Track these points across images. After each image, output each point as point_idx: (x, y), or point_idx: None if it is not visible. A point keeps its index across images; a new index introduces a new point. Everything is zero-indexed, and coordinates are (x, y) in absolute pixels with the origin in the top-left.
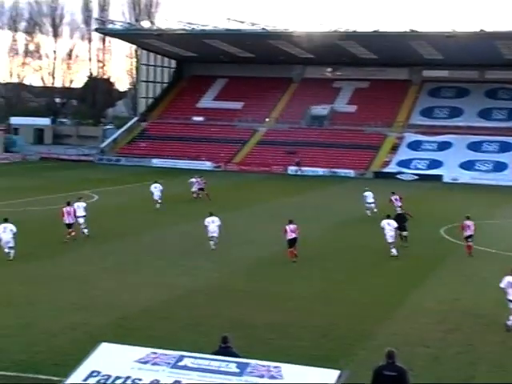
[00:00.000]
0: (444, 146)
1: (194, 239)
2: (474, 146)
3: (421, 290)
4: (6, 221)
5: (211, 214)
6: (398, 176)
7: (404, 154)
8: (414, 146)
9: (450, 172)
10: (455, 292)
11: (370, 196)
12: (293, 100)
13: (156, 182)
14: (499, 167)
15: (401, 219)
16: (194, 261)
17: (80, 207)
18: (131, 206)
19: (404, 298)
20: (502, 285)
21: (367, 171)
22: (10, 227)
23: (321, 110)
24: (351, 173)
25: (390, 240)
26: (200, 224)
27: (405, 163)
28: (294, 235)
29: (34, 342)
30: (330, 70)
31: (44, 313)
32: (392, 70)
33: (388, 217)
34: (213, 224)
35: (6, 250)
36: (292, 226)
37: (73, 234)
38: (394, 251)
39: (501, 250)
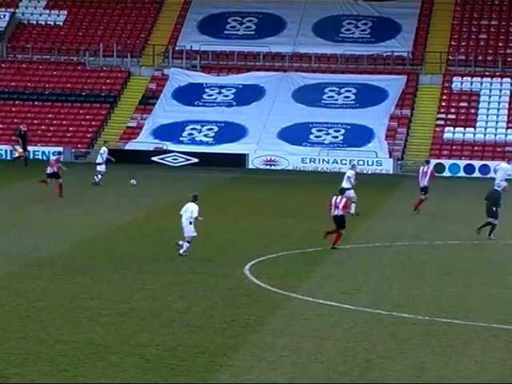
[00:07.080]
0: (248, 96)
1: None
2: (307, 96)
3: None
4: None
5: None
6: (156, 159)
7: (167, 112)
8: (189, 95)
9: (261, 148)
10: None
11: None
12: None
13: None
14: (357, 137)
15: None
16: None
17: None
18: None
19: None
20: None
21: (92, 150)
22: None
23: None
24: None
25: None
26: None
27: (169, 131)
28: None
29: None
30: None
31: None
32: None
33: None
34: None
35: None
36: None
37: None
38: None
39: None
